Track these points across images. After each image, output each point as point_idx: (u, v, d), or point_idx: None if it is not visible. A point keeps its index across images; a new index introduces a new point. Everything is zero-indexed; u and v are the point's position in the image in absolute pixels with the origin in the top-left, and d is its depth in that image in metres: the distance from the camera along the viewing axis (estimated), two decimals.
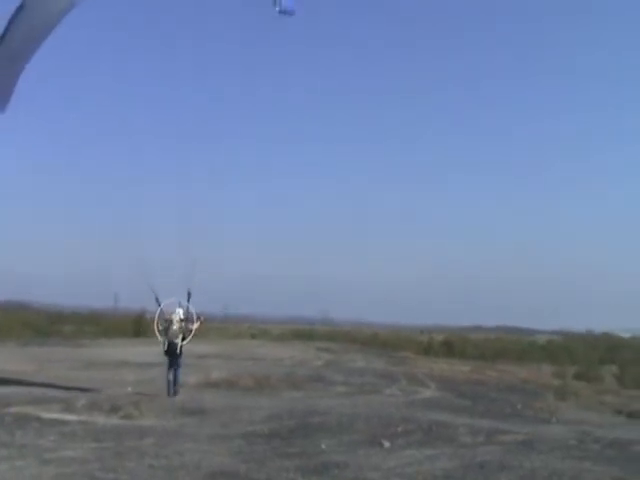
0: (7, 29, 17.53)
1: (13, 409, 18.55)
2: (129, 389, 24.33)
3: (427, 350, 70.64)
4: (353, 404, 23.44)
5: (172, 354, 23.32)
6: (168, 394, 22.94)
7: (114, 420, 18.22)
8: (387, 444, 16.33)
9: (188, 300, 23.95)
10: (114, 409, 19.41)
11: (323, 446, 15.93)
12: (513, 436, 18.17)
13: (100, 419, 18.18)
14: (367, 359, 49.96)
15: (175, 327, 23.42)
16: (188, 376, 28.88)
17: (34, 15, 17.51)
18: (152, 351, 40.00)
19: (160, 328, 23.70)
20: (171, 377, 23.34)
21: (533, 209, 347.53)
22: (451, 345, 74.03)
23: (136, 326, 67.56)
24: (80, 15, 18.75)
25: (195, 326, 23.76)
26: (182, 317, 23.73)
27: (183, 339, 23.42)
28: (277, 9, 16.73)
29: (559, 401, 28.71)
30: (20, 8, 17.17)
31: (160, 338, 23.62)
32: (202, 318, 24.45)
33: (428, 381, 33.46)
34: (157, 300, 24.10)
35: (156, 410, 19.74)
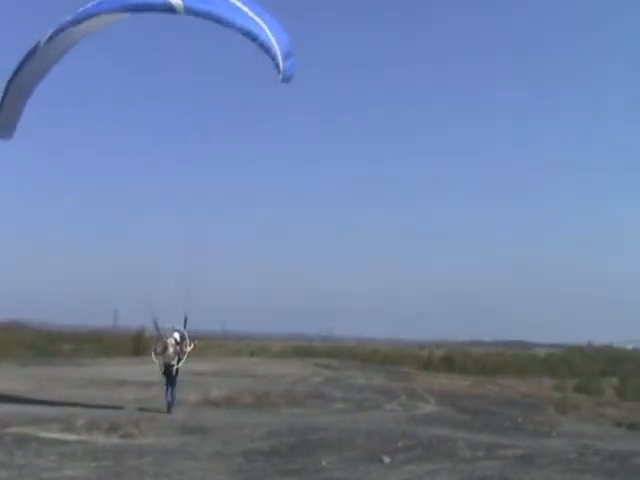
0: (20, 67, 20.01)
1: (12, 429, 18.51)
2: (129, 407, 24.28)
3: (427, 365, 70.59)
4: (353, 420, 23.42)
5: (169, 375, 24.25)
6: (168, 412, 23.66)
7: (114, 439, 18.19)
8: (387, 460, 16.31)
9: (185, 325, 24.82)
10: (114, 428, 19.35)
11: (323, 463, 15.91)
12: (513, 450, 18.15)
13: (100, 438, 18.15)
14: (367, 375, 49.92)
15: (171, 350, 24.27)
16: (188, 394, 28.86)
17: (44, 55, 19.69)
18: (151, 370, 39.90)
19: (158, 351, 24.56)
20: (169, 397, 24.21)
21: (532, 222, 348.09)
22: (451, 360, 74.00)
23: (135, 344, 67.57)
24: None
25: (189, 349, 24.57)
26: (178, 341, 24.52)
27: (178, 361, 24.31)
28: (280, 77, 17.83)
29: (559, 414, 28.68)
30: (33, 51, 19.59)
31: (156, 361, 24.57)
32: (196, 342, 25.35)
33: (428, 396, 33.41)
34: (155, 324, 25.22)
35: (156, 429, 19.70)
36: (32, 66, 20.06)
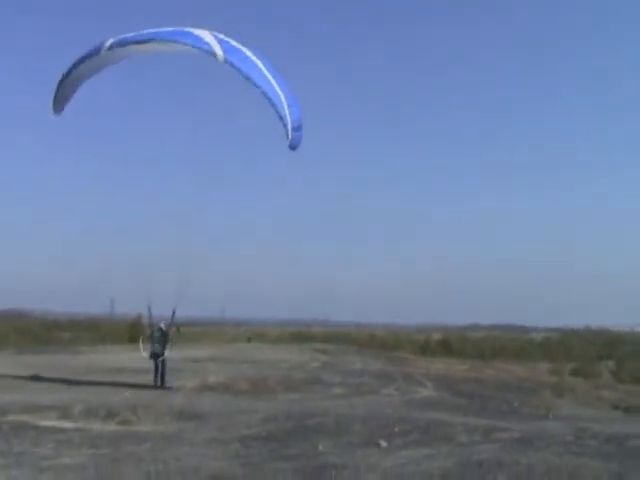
0: (80, 61, 23.98)
1: (9, 417, 18.52)
2: (126, 394, 24.31)
3: (424, 350, 70.72)
4: (350, 405, 23.43)
5: (156, 357, 27.43)
6: (155, 386, 27.05)
7: (111, 426, 18.19)
8: (384, 444, 16.33)
9: (172, 316, 27.58)
10: (111, 415, 19.37)
11: (320, 448, 15.92)
12: (510, 433, 18.17)
13: (97, 425, 18.15)
14: (364, 360, 49.98)
15: (157, 335, 27.54)
16: (185, 380, 29.00)
17: (102, 60, 23.65)
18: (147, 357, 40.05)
19: (148, 333, 28.12)
20: (158, 379, 27.34)
21: (531, 209, 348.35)
22: (449, 344, 74.13)
23: (132, 332, 67.62)
24: None
25: (171, 336, 27.69)
26: (164, 328, 27.75)
27: (163, 348, 27.40)
28: (288, 144, 21.32)
29: (556, 398, 28.74)
30: (95, 52, 23.35)
31: (142, 346, 28.22)
32: (180, 329, 29.30)
33: (425, 381, 33.47)
34: (149, 311, 27.77)
35: (153, 415, 19.69)
36: (90, 63, 23.82)
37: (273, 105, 21.18)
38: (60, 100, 25.14)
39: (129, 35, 22.86)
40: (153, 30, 22.72)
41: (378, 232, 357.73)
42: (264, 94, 21.14)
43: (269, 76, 21.59)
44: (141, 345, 28.67)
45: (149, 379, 27.99)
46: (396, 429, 18.21)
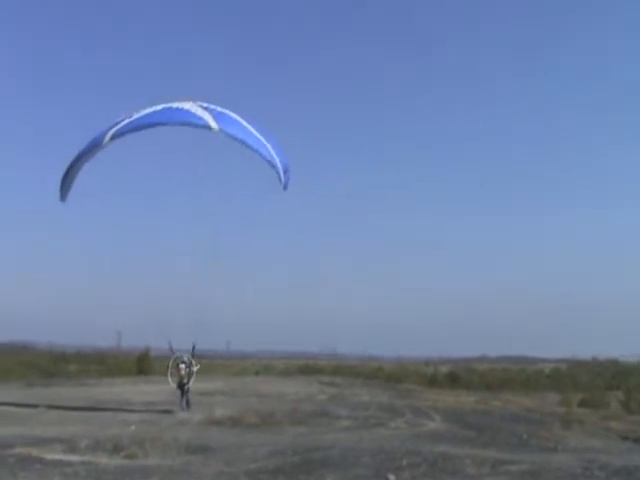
0: (81, 154, 26.90)
1: (16, 450, 18.51)
2: (132, 428, 24.25)
3: (432, 382, 70.34)
4: (358, 438, 23.32)
5: (182, 389, 30.50)
6: (182, 410, 30.15)
7: (117, 460, 18.13)
8: (392, 478, 16.26)
9: (193, 350, 30.94)
10: (117, 449, 19.32)
11: None
12: (518, 466, 18.08)
13: (103, 459, 18.09)
14: (371, 393, 49.75)
15: (183, 371, 30.41)
16: (192, 414, 28.90)
17: (103, 148, 26.42)
18: (155, 390, 40.07)
19: (172, 371, 30.55)
20: (184, 404, 30.55)
21: (536, 238, 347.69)
22: (456, 376, 73.77)
23: (140, 365, 67.53)
24: None
25: (196, 369, 30.79)
26: (187, 363, 30.59)
27: (189, 380, 30.53)
28: (282, 186, 25.75)
29: (564, 429, 28.52)
30: (96, 144, 26.29)
31: (171, 380, 30.55)
32: (200, 363, 31.67)
33: (433, 413, 33.30)
34: (170, 348, 30.89)
35: (160, 449, 19.64)
36: (92, 154, 26.85)
37: (264, 157, 25.15)
38: (65, 189, 28.10)
39: (127, 123, 25.75)
40: (149, 111, 25.88)
41: (384, 264, 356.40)
42: (257, 151, 25.05)
43: (257, 134, 25.43)
44: (170, 377, 30.78)
45: (156, 412, 28.14)
46: (404, 462, 18.12)
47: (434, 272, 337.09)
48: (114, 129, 25.74)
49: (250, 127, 25.58)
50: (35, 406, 31.07)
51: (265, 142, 25.46)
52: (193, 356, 31.03)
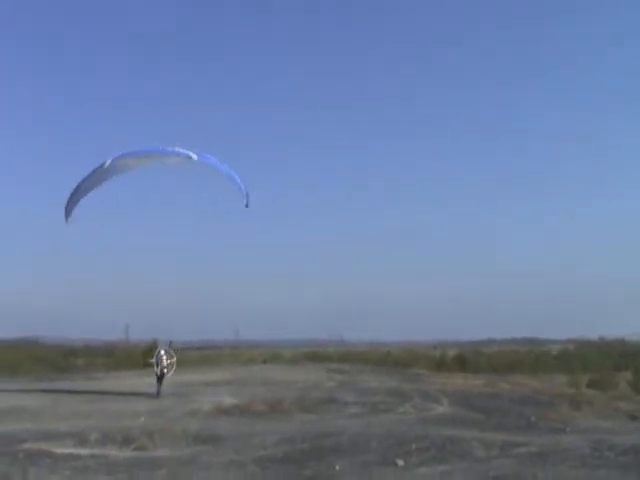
0: (85, 180, 31.19)
1: (26, 445, 18.60)
2: (142, 419, 24.34)
3: (440, 366, 70.33)
4: (366, 424, 23.37)
5: (161, 377, 34.22)
6: (158, 395, 33.43)
7: (127, 452, 18.20)
8: (401, 463, 16.33)
9: (170, 345, 36.07)
10: (127, 441, 19.39)
11: (337, 467, 15.93)
12: (527, 448, 18.13)
13: (113, 452, 18.17)
14: (380, 378, 49.81)
15: (164, 362, 34.48)
16: (201, 404, 29.04)
17: (103, 174, 31.03)
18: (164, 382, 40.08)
19: (154, 361, 34.73)
20: (159, 388, 33.91)
21: (543, 218, 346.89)
22: (464, 359, 73.73)
23: (147, 357, 67.53)
24: None
25: (173, 360, 34.92)
26: (165, 354, 34.80)
27: (169, 369, 34.65)
28: (244, 204, 30.68)
29: (573, 410, 28.51)
30: (99, 167, 30.69)
31: (155, 368, 34.44)
32: (176, 355, 35.73)
33: (441, 397, 33.34)
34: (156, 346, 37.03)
35: (169, 440, 19.71)
36: (94, 177, 31.16)
37: (234, 183, 30.93)
38: (69, 211, 31.88)
39: (127, 152, 31.33)
40: (147, 148, 31.90)
41: (391, 248, 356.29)
42: (227, 176, 31.00)
43: (223, 166, 31.37)
44: (154, 366, 34.57)
45: (165, 404, 28.41)
46: (413, 447, 18.19)
47: (440, 256, 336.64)
48: (113, 157, 30.77)
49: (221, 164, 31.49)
50: (44, 401, 31.20)
51: (233, 173, 31.39)
52: (171, 348, 35.71)
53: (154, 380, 34.36)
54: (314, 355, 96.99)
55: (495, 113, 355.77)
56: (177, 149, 30.56)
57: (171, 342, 36.54)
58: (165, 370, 34.35)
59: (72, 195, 31.64)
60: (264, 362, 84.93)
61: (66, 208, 31.75)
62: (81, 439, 19.61)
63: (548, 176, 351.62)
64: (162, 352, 34.87)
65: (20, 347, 77.89)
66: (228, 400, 30.72)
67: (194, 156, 30.07)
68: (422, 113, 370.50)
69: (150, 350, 39.17)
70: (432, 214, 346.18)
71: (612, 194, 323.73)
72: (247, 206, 31.02)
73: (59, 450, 18.11)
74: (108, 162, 30.60)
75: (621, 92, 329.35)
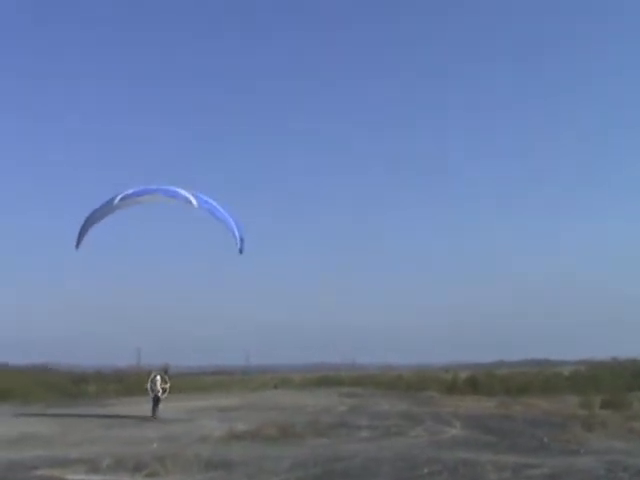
0: (95, 212, 33.37)
1: (38, 472, 18.57)
2: (154, 445, 24.31)
3: (451, 388, 70.01)
4: (378, 448, 23.29)
5: (156, 401, 37.13)
6: (153, 417, 36.22)
7: (139, 478, 18.09)
8: None
9: (166, 372, 39.34)
10: (139, 467, 19.33)
11: None
12: (540, 470, 18.03)
13: (125, 478, 18.09)
14: (391, 402, 49.72)
15: (158, 386, 37.36)
16: (212, 429, 29.01)
17: (112, 207, 33.01)
18: (174, 407, 40.13)
19: (149, 387, 37.73)
20: (155, 411, 36.77)
21: (552, 238, 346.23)
22: (476, 382, 73.34)
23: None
24: None
25: (167, 385, 37.84)
26: (160, 379, 37.68)
27: (163, 393, 37.60)
28: (238, 251, 32.26)
29: (586, 431, 28.35)
30: (109, 204, 32.94)
31: (150, 393, 37.53)
32: (169, 380, 38.65)
33: (453, 420, 33.24)
34: (151, 371, 40.23)
35: (182, 466, 19.64)
36: (103, 210, 33.31)
37: (228, 227, 32.48)
38: (80, 239, 33.62)
39: (133, 191, 32.85)
40: (152, 187, 33.62)
41: (399, 273, 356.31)
42: (223, 222, 32.42)
43: (221, 210, 32.69)
44: (149, 390, 37.83)
45: (176, 429, 28.34)
46: (425, 470, 18.10)
47: (449, 279, 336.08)
48: (123, 193, 32.57)
49: (219, 207, 32.89)
50: (55, 427, 31.22)
51: (228, 217, 32.77)
52: (166, 374, 38.93)
53: (158, 405, 37.18)
54: (325, 379, 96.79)
55: None
56: (180, 191, 32.39)
57: (167, 369, 40.37)
58: (159, 394, 37.22)
59: (83, 225, 33.54)
60: (275, 387, 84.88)
61: (78, 237, 33.63)
62: (93, 466, 19.58)
63: (567, 192, 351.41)
64: (157, 378, 37.70)
65: (31, 374, 78.04)
66: (240, 425, 30.67)
67: (194, 201, 31.85)
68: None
69: (147, 377, 39.42)
70: (441, 239, 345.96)
71: (628, 215, 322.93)
72: (241, 252, 32.69)
73: (71, 477, 18.07)
74: (117, 199, 32.61)
75: None
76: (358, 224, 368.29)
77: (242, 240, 32.54)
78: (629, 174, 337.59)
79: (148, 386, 37.80)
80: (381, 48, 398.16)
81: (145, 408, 38.04)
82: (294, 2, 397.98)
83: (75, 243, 33.91)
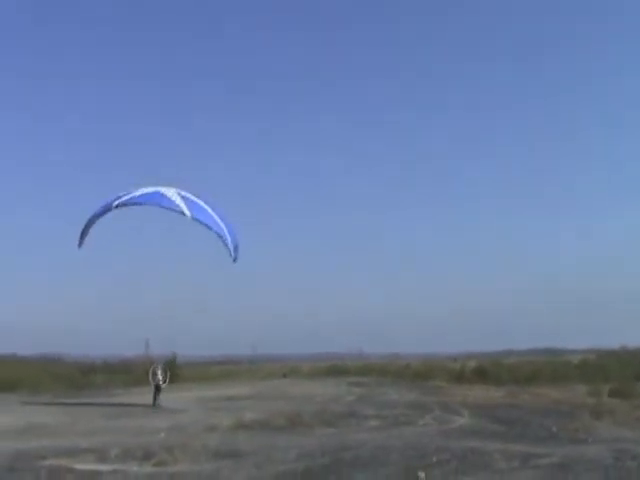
0: (97, 213, 34.33)
1: (47, 462, 18.59)
2: (162, 435, 24.32)
3: (459, 378, 69.94)
4: (386, 437, 23.27)
5: (157, 389, 38.48)
6: (154, 406, 37.40)
7: (147, 468, 18.14)
8: (422, 475, 16.20)
9: (167, 363, 42.44)
10: (147, 456, 19.35)
11: None
12: (549, 459, 17.99)
13: (133, 467, 18.10)
14: (399, 391, 49.72)
15: (159, 375, 38.88)
16: (220, 419, 28.99)
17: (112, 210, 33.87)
18: (183, 397, 40.21)
19: (150, 377, 39.11)
20: (155, 400, 37.99)
21: (560, 225, 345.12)
22: (484, 371, 73.21)
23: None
24: None
25: (167, 375, 39.35)
26: (160, 371, 39.15)
27: (164, 382, 38.99)
28: (232, 259, 33.78)
29: (595, 420, 28.29)
30: (107, 207, 33.87)
31: (151, 381, 38.95)
32: (170, 371, 40.95)
33: (461, 409, 33.22)
34: (153, 361, 41.68)
35: (190, 455, 19.66)
36: (102, 214, 34.12)
37: (221, 237, 33.20)
38: (82, 239, 34.98)
39: (129, 197, 33.56)
40: (144, 192, 33.74)
41: (408, 262, 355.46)
42: (216, 233, 33.08)
43: (217, 219, 33.50)
44: (150, 379, 39.11)
45: (185, 419, 28.53)
46: (434, 459, 18.09)
47: (457, 267, 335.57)
48: (119, 200, 33.44)
49: (214, 214, 33.73)
50: (64, 417, 31.28)
51: (224, 226, 33.56)
52: (167, 365, 41.45)
53: (163, 395, 38.59)
54: (334, 369, 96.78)
55: None
56: (174, 200, 33.08)
57: (167, 360, 44.05)
58: (160, 383, 38.58)
59: (85, 226, 34.82)
60: (284, 376, 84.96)
61: (80, 237, 35.07)
62: (102, 455, 19.60)
63: (574, 186, 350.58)
64: (158, 368, 39.24)
65: (40, 364, 78.12)
66: (248, 414, 30.69)
67: (187, 213, 32.58)
68: None
69: (150, 367, 40.11)
70: (448, 228, 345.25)
71: (635, 205, 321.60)
72: (235, 261, 34.27)
73: (80, 466, 18.08)
74: (114, 205, 33.60)
75: None
76: (367, 217, 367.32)
77: (236, 248, 33.94)
78: (629, 174, 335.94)
79: (150, 377, 39.14)
80: (381, 48, 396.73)
81: (151, 398, 38.12)
82: (294, 2, 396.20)
83: (78, 243, 35.14)
